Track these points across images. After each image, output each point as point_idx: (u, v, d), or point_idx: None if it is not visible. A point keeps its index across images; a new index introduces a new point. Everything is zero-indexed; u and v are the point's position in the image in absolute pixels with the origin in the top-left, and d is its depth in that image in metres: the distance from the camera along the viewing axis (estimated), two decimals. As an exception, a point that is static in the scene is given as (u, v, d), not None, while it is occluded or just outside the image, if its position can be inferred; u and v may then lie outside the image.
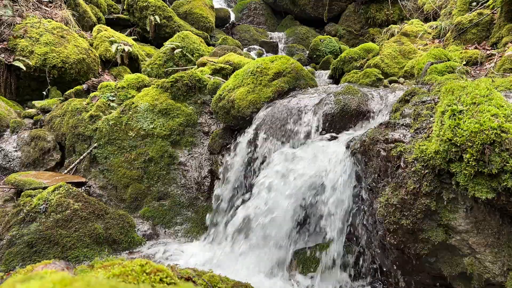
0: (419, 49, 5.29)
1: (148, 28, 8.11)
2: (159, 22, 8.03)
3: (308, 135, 3.15)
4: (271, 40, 9.30)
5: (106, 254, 3.13)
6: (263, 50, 8.57)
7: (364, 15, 9.66)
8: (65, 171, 4.08)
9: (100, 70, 6.32)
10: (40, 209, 3.06)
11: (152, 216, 3.79)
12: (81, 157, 4.10)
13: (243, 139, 3.54)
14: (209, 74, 4.80)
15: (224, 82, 4.24)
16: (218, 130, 4.06)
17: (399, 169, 2.24)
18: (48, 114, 4.69)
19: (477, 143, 1.79)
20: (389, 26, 7.34)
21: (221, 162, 3.86)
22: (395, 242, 2.25)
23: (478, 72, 3.96)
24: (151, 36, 8.22)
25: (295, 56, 8.16)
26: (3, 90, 5.33)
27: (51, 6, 6.50)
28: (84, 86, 5.07)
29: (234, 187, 3.59)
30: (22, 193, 3.25)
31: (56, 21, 6.13)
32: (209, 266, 2.92)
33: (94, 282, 0.63)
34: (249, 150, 3.49)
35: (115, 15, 8.57)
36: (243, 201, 3.24)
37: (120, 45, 6.44)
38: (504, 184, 1.77)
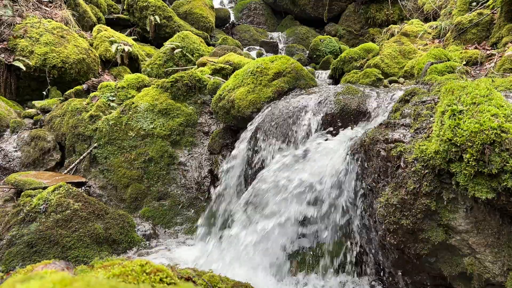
0: (419, 49, 5.29)
1: (148, 28, 8.11)
2: (159, 22, 8.03)
3: (308, 135, 3.15)
4: (271, 40, 9.30)
5: (106, 254, 3.13)
6: (263, 50, 8.57)
7: (364, 15, 9.66)
8: (65, 171, 4.08)
9: (100, 70, 6.32)
10: (40, 209, 3.06)
11: (152, 216, 3.79)
12: (81, 157, 4.10)
13: (243, 139, 3.54)
14: (209, 74, 4.80)
15: (224, 82, 4.24)
16: (218, 130, 4.06)
17: (399, 169, 2.24)
18: (48, 114, 4.69)
19: (477, 143, 1.79)
20: (389, 26, 7.34)
21: (221, 162, 3.86)
22: (395, 242, 2.25)
23: (478, 72, 3.96)
24: (151, 36, 8.22)
25: (295, 56, 8.16)
26: (3, 90, 5.33)
27: (51, 6, 6.50)
28: (84, 86, 5.07)
29: (234, 188, 3.58)
30: (22, 193, 3.25)
31: (56, 21, 6.13)
32: (209, 266, 2.92)
33: (94, 282, 0.63)
34: (249, 150, 3.49)
35: (115, 15, 8.57)
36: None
37: (120, 45, 6.44)
38: (504, 184, 1.77)
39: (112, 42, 6.52)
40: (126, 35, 7.61)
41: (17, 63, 5.24)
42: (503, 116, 1.82)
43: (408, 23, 6.33)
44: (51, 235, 2.99)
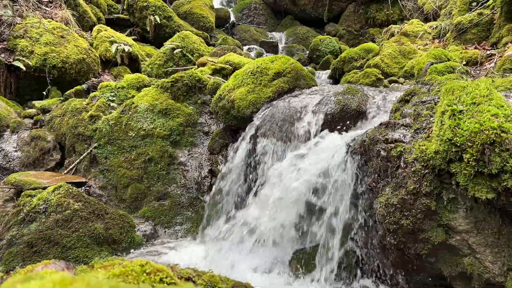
0: (419, 49, 5.29)
1: (148, 28, 8.11)
2: (159, 22, 8.03)
3: (308, 135, 3.15)
4: (271, 40, 9.30)
5: (106, 254, 3.13)
6: (263, 50, 8.57)
7: (364, 15, 9.66)
8: (65, 171, 4.08)
9: (100, 70, 6.32)
10: (40, 209, 3.06)
11: (152, 216, 3.78)
12: (81, 157, 4.10)
13: (243, 140, 3.54)
14: (209, 74, 4.80)
15: (224, 82, 4.24)
16: (218, 130, 4.06)
17: (399, 169, 2.24)
18: (48, 114, 4.69)
19: (477, 143, 1.79)
20: (389, 26, 7.33)
21: (221, 162, 3.86)
22: (395, 242, 2.25)
23: (478, 72, 3.96)
24: (151, 36, 8.22)
25: (295, 56, 8.16)
26: (3, 90, 5.33)
27: (51, 6, 6.50)
28: (84, 86, 5.07)
29: (233, 190, 3.58)
30: (22, 193, 3.25)
31: (56, 21, 6.13)
32: (209, 266, 2.92)
33: (94, 282, 0.63)
34: (249, 150, 3.49)
35: (115, 15, 8.56)
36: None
37: (120, 45, 6.44)
38: (504, 184, 1.77)
39: (112, 42, 6.51)
40: (126, 35, 7.61)
41: (17, 63, 5.24)
42: (503, 116, 1.82)
43: (408, 23, 6.33)
44: (51, 235, 2.98)
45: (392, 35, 6.48)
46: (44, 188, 3.32)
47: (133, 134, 4.08)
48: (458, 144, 1.86)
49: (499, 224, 1.99)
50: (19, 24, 5.61)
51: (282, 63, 3.77)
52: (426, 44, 5.51)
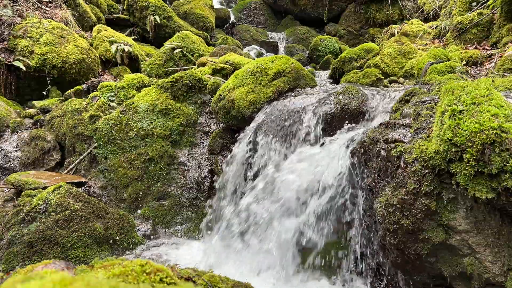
0: (419, 49, 5.29)
1: (148, 28, 8.11)
2: (159, 22, 8.03)
3: (308, 135, 3.15)
4: (271, 40, 9.30)
5: (106, 254, 3.13)
6: (263, 50, 8.58)
7: (364, 15, 9.67)
8: (65, 171, 4.08)
9: (100, 70, 6.32)
10: (40, 209, 3.06)
11: (152, 216, 3.79)
12: (81, 157, 4.10)
13: (243, 140, 3.54)
14: (209, 74, 4.80)
15: (224, 82, 4.24)
16: (218, 130, 4.06)
17: (399, 169, 2.24)
18: (48, 114, 4.69)
19: (477, 143, 1.79)
20: (389, 26, 7.33)
21: (221, 162, 3.86)
22: (395, 242, 2.25)
23: (478, 72, 3.96)
24: (151, 36, 8.22)
25: (295, 56, 8.16)
26: (3, 90, 5.33)
27: (51, 6, 6.50)
28: (84, 86, 5.07)
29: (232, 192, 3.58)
30: (22, 193, 3.25)
31: (56, 21, 6.13)
32: (209, 265, 2.92)
33: (94, 282, 0.63)
34: (249, 150, 3.49)
35: (115, 15, 8.56)
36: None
37: (120, 45, 6.44)
38: (504, 184, 1.77)
39: (112, 42, 6.51)
40: (126, 35, 7.61)
41: (17, 63, 5.24)
42: (503, 116, 1.82)
43: (408, 23, 6.33)
44: (51, 235, 2.98)
45: (392, 35, 6.48)
46: (44, 188, 3.32)
47: (133, 134, 4.08)
48: (458, 144, 1.86)
49: (499, 224, 1.99)
50: (19, 24, 5.61)
51: (282, 63, 3.77)
52: (426, 44, 5.51)
